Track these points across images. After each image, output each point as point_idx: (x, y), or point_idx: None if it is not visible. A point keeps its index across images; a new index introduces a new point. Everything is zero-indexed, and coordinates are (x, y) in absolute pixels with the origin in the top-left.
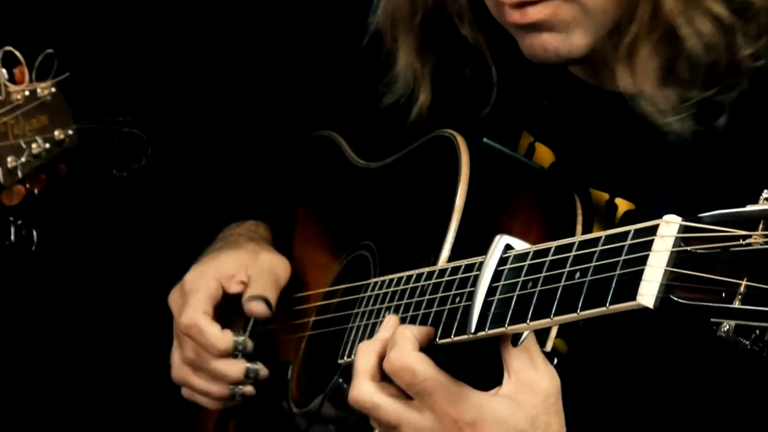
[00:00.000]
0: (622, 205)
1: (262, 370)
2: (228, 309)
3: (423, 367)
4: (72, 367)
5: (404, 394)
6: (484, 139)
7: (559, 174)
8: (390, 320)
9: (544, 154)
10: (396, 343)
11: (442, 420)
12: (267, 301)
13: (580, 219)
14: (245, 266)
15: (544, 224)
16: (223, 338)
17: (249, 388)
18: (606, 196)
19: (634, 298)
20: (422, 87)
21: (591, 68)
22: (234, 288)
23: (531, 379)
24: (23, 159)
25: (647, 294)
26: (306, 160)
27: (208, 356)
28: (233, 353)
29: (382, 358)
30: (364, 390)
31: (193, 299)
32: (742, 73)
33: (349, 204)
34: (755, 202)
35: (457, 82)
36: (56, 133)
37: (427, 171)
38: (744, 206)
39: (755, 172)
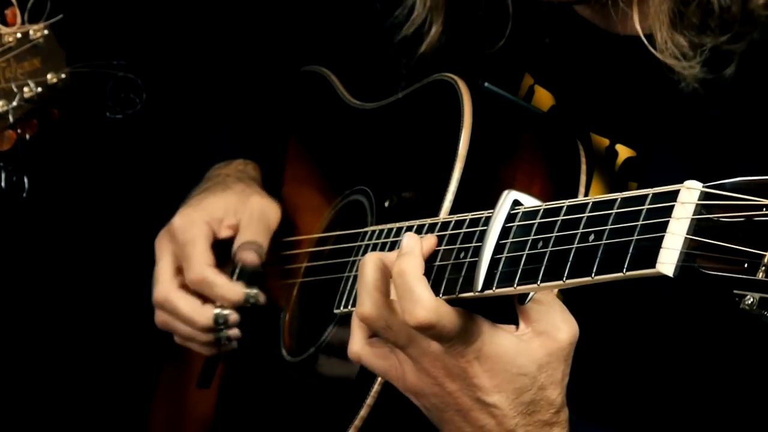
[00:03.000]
0: (623, 151)
1: (232, 315)
2: (216, 252)
3: (445, 323)
4: (66, 311)
5: None
6: (486, 84)
7: (558, 118)
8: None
9: (544, 98)
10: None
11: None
12: (259, 248)
13: (584, 167)
14: (234, 210)
15: (547, 172)
16: (235, 289)
17: (234, 332)
18: (606, 141)
19: (653, 266)
20: (435, 19)
21: (600, 9)
22: (224, 233)
23: (553, 329)
24: (15, 103)
25: (667, 262)
26: (296, 96)
27: (173, 301)
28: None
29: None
30: (371, 301)
31: (195, 251)
32: (754, 22)
33: (343, 145)
34: (760, 157)
35: (471, 15)
36: (49, 76)
37: (428, 116)
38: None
39: (761, 127)
